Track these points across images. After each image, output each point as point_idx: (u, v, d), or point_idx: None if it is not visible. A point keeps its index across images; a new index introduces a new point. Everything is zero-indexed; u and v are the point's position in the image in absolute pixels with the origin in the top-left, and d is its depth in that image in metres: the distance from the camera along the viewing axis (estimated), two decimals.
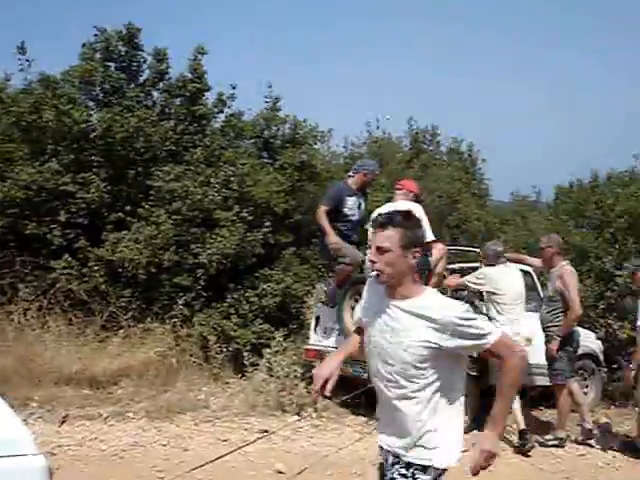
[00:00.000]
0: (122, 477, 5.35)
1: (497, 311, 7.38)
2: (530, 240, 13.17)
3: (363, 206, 8.15)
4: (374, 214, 7.48)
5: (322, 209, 7.81)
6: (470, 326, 2.78)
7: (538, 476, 6.29)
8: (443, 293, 7.82)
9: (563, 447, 7.25)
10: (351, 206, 7.98)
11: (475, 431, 7.43)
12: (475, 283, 7.63)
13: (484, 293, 7.62)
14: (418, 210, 7.24)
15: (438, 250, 7.43)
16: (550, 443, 7.29)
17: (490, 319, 7.40)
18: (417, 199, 7.64)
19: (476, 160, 16.18)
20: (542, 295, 8.71)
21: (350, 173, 8.35)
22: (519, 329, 7.23)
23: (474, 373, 7.40)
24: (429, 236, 7.24)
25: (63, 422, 6.68)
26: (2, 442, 2.66)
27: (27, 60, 10.43)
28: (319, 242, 8.10)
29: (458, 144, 16.02)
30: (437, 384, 2.84)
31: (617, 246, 10.66)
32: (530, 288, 8.84)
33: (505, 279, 7.55)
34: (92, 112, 10.61)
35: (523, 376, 7.88)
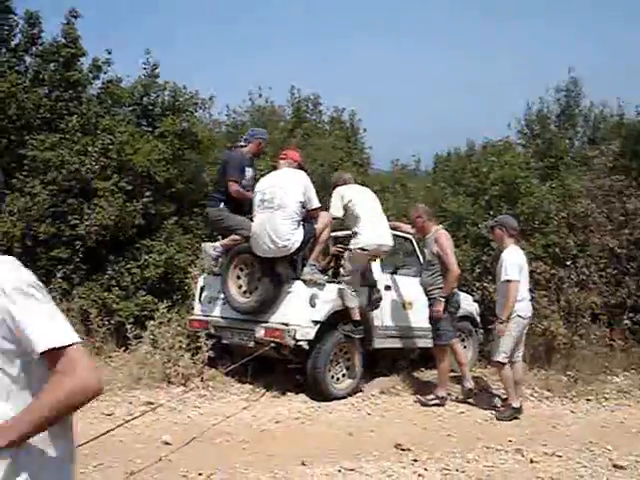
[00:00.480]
0: None
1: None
2: (410, 207, 13.55)
3: (253, 175, 8.06)
4: (260, 183, 7.52)
5: (235, 186, 7.59)
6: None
7: (421, 435, 6.50)
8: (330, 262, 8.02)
9: (444, 406, 7.53)
10: (249, 177, 7.88)
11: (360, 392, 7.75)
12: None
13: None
14: (304, 178, 7.32)
15: (322, 218, 7.52)
16: (431, 403, 7.57)
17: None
18: (300, 168, 7.70)
19: (357, 129, 16.39)
20: (421, 261, 8.98)
21: (242, 142, 8.21)
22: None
23: (358, 336, 7.61)
24: (315, 203, 7.33)
25: None
26: None
27: None
28: (212, 212, 7.86)
29: (340, 113, 16.18)
30: None
31: (492, 212, 11.06)
32: (409, 254, 9.11)
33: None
34: None
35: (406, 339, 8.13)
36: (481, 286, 10.37)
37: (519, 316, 7.28)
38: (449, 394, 7.89)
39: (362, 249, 7.44)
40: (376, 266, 8.13)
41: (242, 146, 8.11)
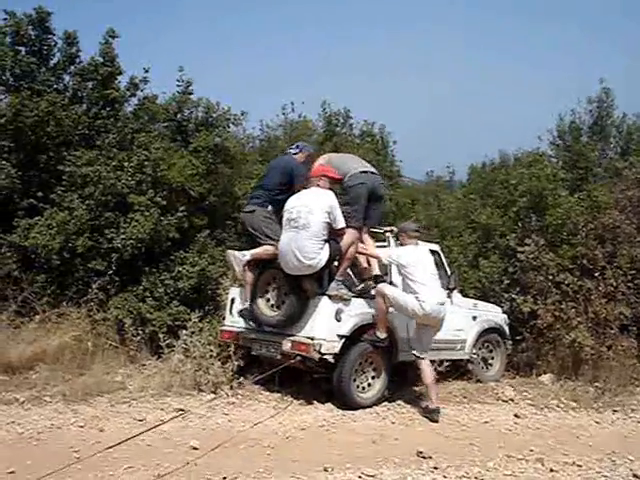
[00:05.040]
0: (39, 458, 5.42)
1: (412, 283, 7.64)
2: (441, 219, 13.71)
3: None
4: (288, 202, 7.70)
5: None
6: None
7: (444, 443, 6.62)
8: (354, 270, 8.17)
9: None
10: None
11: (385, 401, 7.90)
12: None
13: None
14: (331, 198, 7.51)
15: (349, 235, 7.70)
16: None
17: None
18: (333, 180, 7.87)
19: (387, 142, 16.57)
20: (449, 273, 9.12)
21: (293, 150, 8.42)
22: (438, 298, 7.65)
23: (384, 344, 7.76)
24: (341, 224, 7.51)
25: None
26: None
27: None
28: (259, 211, 8.03)
29: (370, 127, 16.38)
30: None
31: (520, 224, 11.16)
32: (437, 266, 9.21)
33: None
34: (1, 97, 10.49)
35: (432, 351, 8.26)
36: (509, 297, 10.45)
37: None
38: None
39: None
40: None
41: (294, 153, 8.34)
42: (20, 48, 10.71)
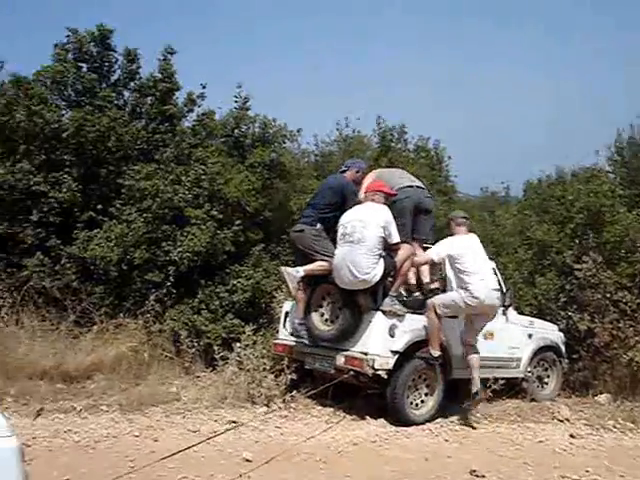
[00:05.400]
0: (95, 466, 5.53)
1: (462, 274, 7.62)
2: (496, 235, 13.55)
3: None
4: (343, 217, 7.72)
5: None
6: None
7: (497, 462, 6.54)
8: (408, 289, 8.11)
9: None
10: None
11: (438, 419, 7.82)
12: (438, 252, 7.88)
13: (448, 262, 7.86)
14: (386, 213, 7.50)
15: (404, 250, 7.69)
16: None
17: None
18: (387, 194, 7.87)
19: (442, 158, 16.49)
20: (504, 289, 8.99)
21: (343, 168, 8.44)
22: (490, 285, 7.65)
23: (438, 362, 7.71)
24: (395, 239, 7.50)
25: (38, 415, 6.82)
26: None
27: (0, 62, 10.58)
28: (308, 230, 8.10)
29: (424, 142, 16.33)
30: None
31: (577, 241, 10.97)
32: None
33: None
34: (64, 112, 10.77)
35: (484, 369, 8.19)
36: (566, 315, 10.27)
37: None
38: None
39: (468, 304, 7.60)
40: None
41: (342, 171, 8.39)
42: (82, 65, 11.03)
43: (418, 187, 8.25)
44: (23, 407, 7.07)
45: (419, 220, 8.07)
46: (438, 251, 7.86)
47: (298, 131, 12.29)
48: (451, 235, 8.06)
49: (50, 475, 5.24)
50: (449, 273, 7.95)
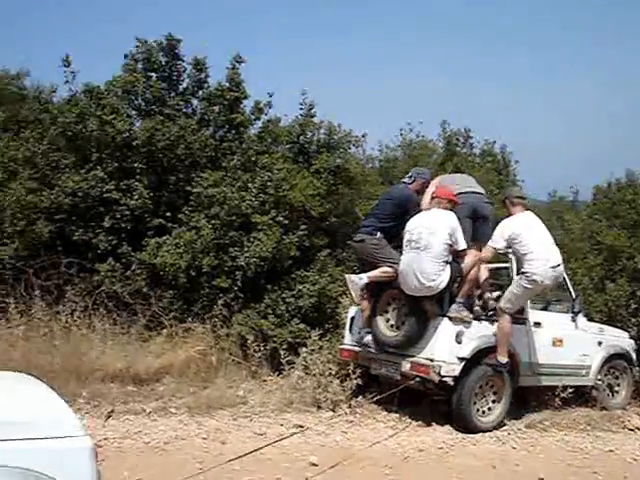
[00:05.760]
0: (164, 467, 5.66)
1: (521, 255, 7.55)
2: (565, 240, 13.30)
3: None
4: (409, 223, 7.71)
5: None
6: None
7: (565, 470, 6.45)
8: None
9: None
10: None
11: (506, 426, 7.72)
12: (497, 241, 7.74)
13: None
14: (452, 219, 7.46)
15: (470, 257, 7.64)
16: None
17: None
18: (452, 202, 7.81)
19: (509, 162, 16.30)
20: (573, 295, 8.83)
21: (407, 180, 8.40)
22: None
23: (506, 369, 7.62)
24: (462, 245, 7.46)
25: (109, 417, 7.00)
26: (51, 424, 2.97)
27: (72, 72, 10.95)
28: (369, 239, 8.09)
29: (491, 146, 16.16)
30: None
31: None
32: (562, 288, 8.93)
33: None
34: (134, 121, 11.04)
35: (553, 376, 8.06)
36: (637, 322, 10.04)
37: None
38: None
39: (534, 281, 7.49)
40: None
41: (407, 183, 8.36)
42: (151, 74, 11.27)
43: (475, 193, 8.16)
44: (94, 409, 7.24)
45: (477, 227, 7.99)
46: (495, 238, 7.71)
47: (363, 136, 12.30)
48: (508, 216, 7.93)
49: (121, 475, 5.38)
50: (512, 260, 7.92)
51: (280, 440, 6.37)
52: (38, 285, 9.20)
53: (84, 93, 10.90)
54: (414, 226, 7.58)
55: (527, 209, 8.01)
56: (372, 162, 15.12)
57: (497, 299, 7.95)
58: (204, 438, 6.58)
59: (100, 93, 10.81)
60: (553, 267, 7.49)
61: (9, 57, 29.47)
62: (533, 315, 8.31)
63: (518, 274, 7.60)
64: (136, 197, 10.11)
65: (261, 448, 5.97)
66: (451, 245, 7.38)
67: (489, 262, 8.32)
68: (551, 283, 7.66)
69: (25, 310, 8.79)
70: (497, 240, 7.67)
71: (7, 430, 2.80)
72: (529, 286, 7.45)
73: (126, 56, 11.26)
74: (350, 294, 8.71)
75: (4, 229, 9.97)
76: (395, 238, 7.95)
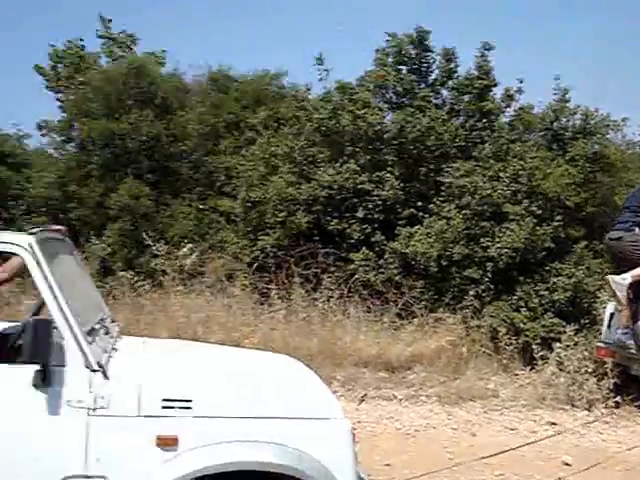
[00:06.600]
0: (414, 454, 5.75)
1: None
2: None
3: None
4: None
5: None
6: None
7: None
8: None
9: None
10: None
11: None
12: None
13: None
14: None
15: None
16: None
17: None
18: None
19: None
20: None
21: None
22: None
23: None
24: None
25: (362, 401, 7.27)
26: (315, 406, 3.14)
27: (325, 70, 11.43)
28: (626, 236, 7.60)
29: None
30: None
31: None
32: None
33: None
34: (385, 114, 11.29)
35: None
36: None
37: None
38: None
39: None
40: None
41: None
42: (401, 67, 11.48)
43: None
44: (348, 392, 7.52)
45: None
46: None
47: (623, 120, 11.59)
48: None
49: (372, 459, 5.53)
50: None
51: (537, 441, 6.20)
52: (298, 273, 9.75)
53: (337, 89, 11.35)
54: None
55: None
56: (633, 147, 14.14)
57: None
58: (454, 428, 6.60)
59: (352, 88, 11.20)
60: None
61: (267, 58, 31.16)
62: None
63: None
64: (387, 188, 10.35)
65: (520, 447, 5.87)
66: None
67: None
68: None
69: (285, 296, 9.37)
70: None
71: (279, 409, 2.99)
72: None
73: (377, 51, 11.58)
74: (615, 296, 8.26)
75: (267, 220, 10.69)
76: None
